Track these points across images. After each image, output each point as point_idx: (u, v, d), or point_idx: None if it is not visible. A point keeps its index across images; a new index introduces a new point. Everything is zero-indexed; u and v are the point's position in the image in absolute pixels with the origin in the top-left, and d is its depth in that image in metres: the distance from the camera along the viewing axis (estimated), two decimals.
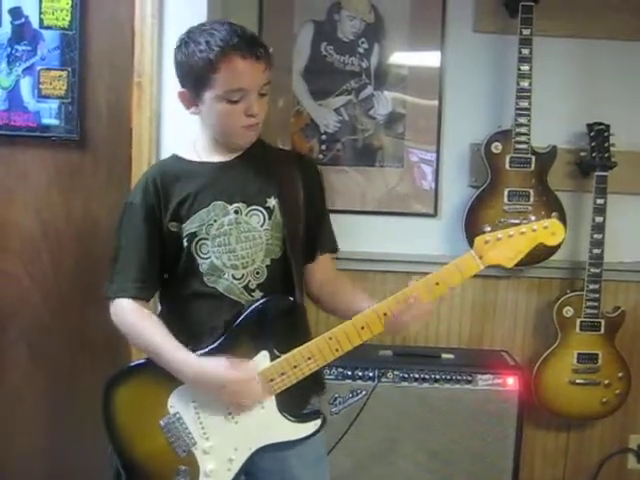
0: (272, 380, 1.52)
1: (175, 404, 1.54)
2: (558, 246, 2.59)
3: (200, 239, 1.55)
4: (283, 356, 1.52)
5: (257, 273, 1.57)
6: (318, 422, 1.57)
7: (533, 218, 2.57)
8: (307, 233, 1.65)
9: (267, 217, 1.58)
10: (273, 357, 1.52)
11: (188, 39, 1.52)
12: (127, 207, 1.60)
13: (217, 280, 1.56)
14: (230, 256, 1.56)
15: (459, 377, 2.46)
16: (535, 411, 2.68)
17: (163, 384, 1.54)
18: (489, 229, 1.50)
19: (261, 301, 1.54)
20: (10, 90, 2.22)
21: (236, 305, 1.56)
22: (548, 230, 1.47)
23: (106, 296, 1.60)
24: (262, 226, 1.58)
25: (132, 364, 1.64)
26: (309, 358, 1.51)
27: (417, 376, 2.46)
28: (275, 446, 1.56)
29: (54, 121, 2.23)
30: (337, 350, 1.50)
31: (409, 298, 1.48)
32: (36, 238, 2.30)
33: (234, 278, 1.56)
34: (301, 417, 1.57)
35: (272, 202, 1.59)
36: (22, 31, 2.21)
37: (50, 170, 2.28)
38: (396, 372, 2.45)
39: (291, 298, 1.56)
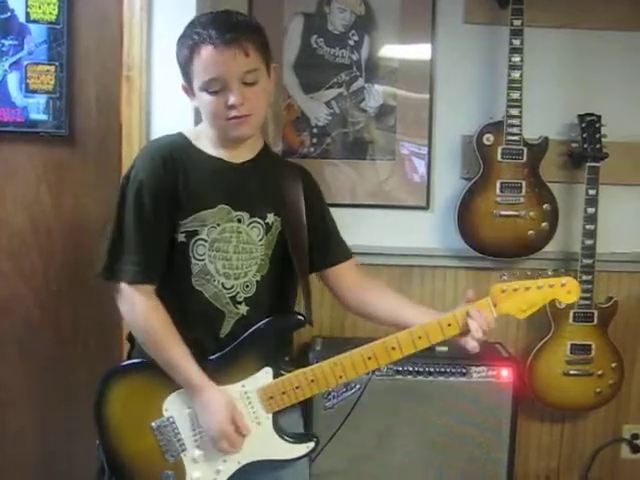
0: (272, 398, 1.51)
1: (170, 408, 1.53)
2: (549, 238, 2.64)
3: (199, 239, 1.52)
4: (286, 375, 1.51)
5: (247, 286, 1.55)
6: (311, 445, 1.56)
7: (524, 211, 2.58)
8: (314, 246, 1.63)
9: (265, 232, 1.56)
10: (276, 375, 1.52)
11: (184, 30, 1.51)
12: (133, 182, 1.51)
13: (205, 285, 1.53)
14: (225, 264, 1.53)
15: (453, 370, 2.45)
16: (529, 402, 2.69)
17: (160, 386, 1.52)
18: (505, 278, 1.52)
19: (273, 318, 1.54)
20: None
21: (218, 314, 1.53)
22: (565, 288, 1.49)
23: (106, 278, 1.52)
24: (260, 240, 1.56)
25: (131, 362, 1.61)
26: (312, 381, 1.50)
27: (411, 369, 2.45)
28: (264, 462, 1.54)
29: (42, 116, 2.20)
30: (341, 377, 1.50)
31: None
32: (25, 234, 2.28)
33: (223, 287, 1.53)
34: (295, 438, 1.56)
35: (271, 218, 1.57)
36: (8, 25, 2.18)
37: (39, 166, 2.26)
38: (390, 365, 2.44)
39: (302, 317, 1.55)
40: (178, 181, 1.51)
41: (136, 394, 1.55)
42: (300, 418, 1.68)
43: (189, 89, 1.53)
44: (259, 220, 1.55)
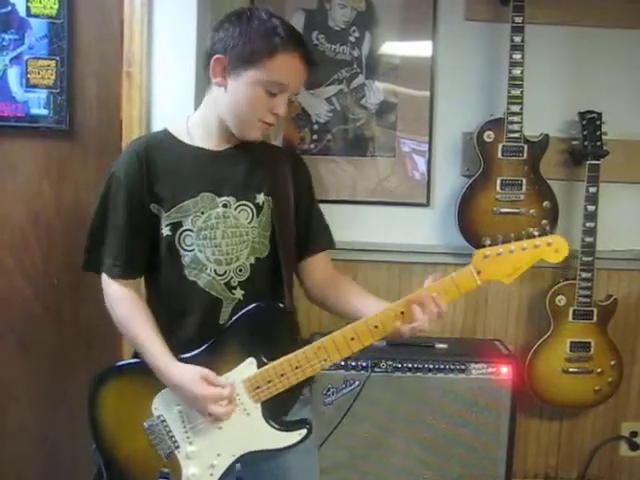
0: (258, 388, 1.50)
1: (159, 407, 1.52)
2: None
3: (185, 230, 1.51)
4: (270, 364, 1.49)
5: (240, 270, 1.54)
6: (303, 432, 1.53)
7: (525, 208, 2.58)
8: (299, 232, 1.63)
9: (255, 214, 1.55)
10: (260, 364, 1.50)
11: (252, 15, 1.48)
12: (111, 178, 1.55)
13: (198, 274, 1.52)
14: (214, 250, 1.52)
15: (452, 366, 2.46)
16: (528, 399, 2.69)
17: (148, 386, 1.52)
18: (488, 243, 1.45)
19: (250, 307, 1.51)
20: None
21: (215, 302, 1.53)
22: (551, 247, 1.43)
23: (87, 269, 1.58)
24: (250, 223, 1.54)
25: (118, 364, 1.62)
26: (297, 367, 1.48)
27: (410, 366, 2.46)
28: (259, 453, 1.53)
29: (43, 111, 2.20)
30: (325, 360, 1.48)
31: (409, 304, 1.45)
32: (26, 229, 2.28)
33: (216, 274, 1.52)
34: (286, 425, 1.54)
35: (261, 198, 1.56)
36: (8, 20, 2.17)
37: (39, 161, 2.26)
38: (389, 362, 2.45)
39: (281, 305, 1.53)
40: (154, 177, 1.52)
41: (126, 395, 1.55)
42: (309, 404, 1.67)
43: (231, 68, 1.48)
44: (247, 203, 1.54)
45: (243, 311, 1.51)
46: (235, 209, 1.54)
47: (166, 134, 1.59)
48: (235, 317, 1.52)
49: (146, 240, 1.54)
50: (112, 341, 2.18)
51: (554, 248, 1.43)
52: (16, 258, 2.29)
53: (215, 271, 1.52)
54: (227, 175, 1.55)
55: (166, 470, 1.49)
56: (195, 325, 1.53)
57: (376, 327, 1.46)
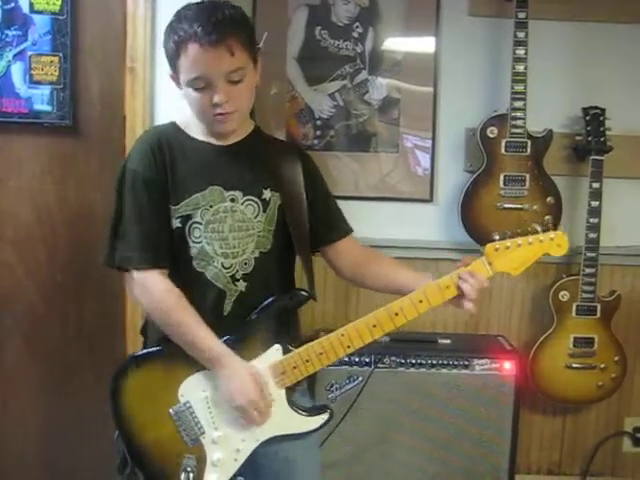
0: (283, 373, 1.54)
1: (185, 393, 1.54)
2: None
3: (194, 222, 1.54)
4: (295, 350, 1.54)
5: (245, 264, 1.57)
6: (325, 416, 1.59)
7: (528, 204, 2.58)
8: (317, 221, 1.65)
9: (262, 209, 1.58)
10: (286, 351, 1.54)
11: (170, 21, 1.51)
12: (126, 172, 1.55)
13: (206, 266, 1.55)
14: (222, 244, 1.55)
15: (456, 362, 2.46)
16: (531, 395, 2.69)
17: (174, 373, 1.54)
18: (497, 237, 1.53)
19: (277, 296, 1.56)
20: (1, 76, 2.19)
21: (220, 293, 1.55)
22: (554, 242, 1.53)
23: (110, 265, 1.55)
24: (256, 217, 1.57)
25: (144, 352, 1.63)
26: (321, 353, 1.53)
27: (414, 361, 2.46)
28: (281, 437, 1.56)
29: (46, 107, 2.20)
30: (349, 347, 1.53)
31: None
32: (30, 226, 2.29)
33: (223, 267, 1.55)
34: (310, 411, 1.59)
35: (267, 194, 1.58)
36: (12, 16, 2.18)
37: (43, 157, 2.26)
38: (393, 357, 2.45)
39: (305, 292, 1.57)
40: (167, 169, 1.54)
41: (151, 382, 1.57)
42: (307, 394, 1.70)
43: (177, 79, 1.54)
44: (253, 197, 1.57)
45: (270, 299, 1.55)
46: (242, 203, 1.56)
47: (175, 127, 1.61)
48: (263, 304, 1.55)
49: (165, 229, 1.55)
50: (115, 338, 2.19)
51: (556, 243, 1.53)
52: (20, 254, 2.30)
53: (222, 264, 1.55)
54: (235, 170, 1.57)
55: (191, 456, 1.51)
56: (200, 315, 1.53)
57: (396, 314, 1.51)
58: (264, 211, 1.58)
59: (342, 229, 1.71)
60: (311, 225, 1.64)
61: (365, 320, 1.52)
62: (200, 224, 1.54)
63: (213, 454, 1.54)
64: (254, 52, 1.53)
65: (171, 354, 1.54)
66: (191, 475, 1.45)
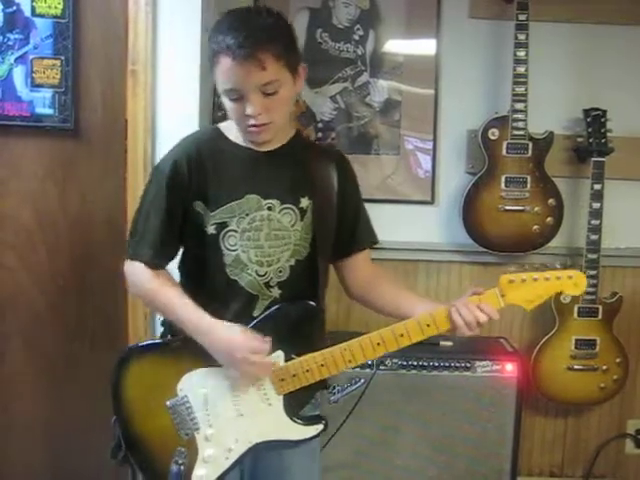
0: (283, 380, 1.53)
1: (185, 388, 1.55)
2: (554, 233, 2.64)
3: (229, 230, 1.53)
4: (297, 359, 1.53)
5: (280, 272, 1.57)
6: (320, 427, 1.59)
7: (529, 206, 2.58)
8: (341, 232, 1.63)
9: (299, 217, 1.57)
10: (287, 358, 1.54)
11: (211, 29, 1.49)
12: (156, 172, 1.58)
13: (240, 274, 1.55)
14: (257, 252, 1.54)
15: (458, 364, 2.46)
16: (533, 397, 2.69)
17: (177, 366, 1.55)
18: (513, 269, 1.56)
19: (284, 304, 1.55)
20: (3, 79, 2.19)
21: (253, 298, 1.56)
22: (572, 280, 1.49)
23: (130, 258, 1.58)
24: (293, 226, 1.56)
25: (148, 342, 1.67)
26: (322, 365, 1.53)
27: (416, 364, 2.45)
28: (274, 442, 1.57)
29: (48, 110, 2.21)
30: (350, 361, 1.53)
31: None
32: (31, 229, 2.29)
33: (257, 274, 1.55)
34: (305, 420, 1.59)
35: (305, 202, 1.57)
36: (14, 19, 2.18)
37: (45, 160, 2.26)
38: (395, 360, 2.45)
39: (312, 303, 1.56)
40: (201, 177, 1.53)
41: (152, 374, 1.58)
42: (319, 407, 1.69)
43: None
44: (291, 206, 1.56)
45: (276, 306, 1.55)
46: (279, 212, 1.55)
47: (217, 132, 1.60)
48: (268, 312, 1.55)
49: (179, 235, 1.57)
50: (117, 341, 2.19)
51: (574, 282, 1.50)
52: (21, 258, 2.30)
53: (257, 272, 1.55)
54: (273, 177, 1.56)
55: (183, 449, 1.50)
56: (229, 315, 1.54)
57: (402, 335, 1.51)
58: (301, 219, 1.57)
59: (361, 242, 1.69)
60: (336, 235, 1.63)
61: (370, 337, 1.52)
62: (236, 232, 1.53)
63: (205, 450, 1.54)
64: (292, 62, 1.49)
65: (177, 347, 1.55)
66: (181, 467, 1.45)
